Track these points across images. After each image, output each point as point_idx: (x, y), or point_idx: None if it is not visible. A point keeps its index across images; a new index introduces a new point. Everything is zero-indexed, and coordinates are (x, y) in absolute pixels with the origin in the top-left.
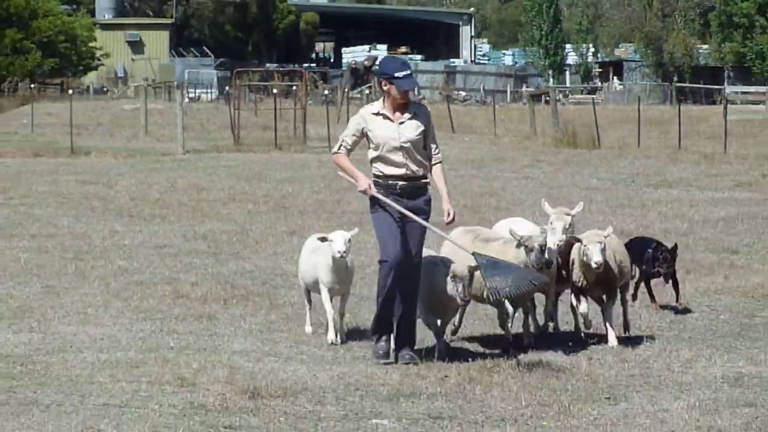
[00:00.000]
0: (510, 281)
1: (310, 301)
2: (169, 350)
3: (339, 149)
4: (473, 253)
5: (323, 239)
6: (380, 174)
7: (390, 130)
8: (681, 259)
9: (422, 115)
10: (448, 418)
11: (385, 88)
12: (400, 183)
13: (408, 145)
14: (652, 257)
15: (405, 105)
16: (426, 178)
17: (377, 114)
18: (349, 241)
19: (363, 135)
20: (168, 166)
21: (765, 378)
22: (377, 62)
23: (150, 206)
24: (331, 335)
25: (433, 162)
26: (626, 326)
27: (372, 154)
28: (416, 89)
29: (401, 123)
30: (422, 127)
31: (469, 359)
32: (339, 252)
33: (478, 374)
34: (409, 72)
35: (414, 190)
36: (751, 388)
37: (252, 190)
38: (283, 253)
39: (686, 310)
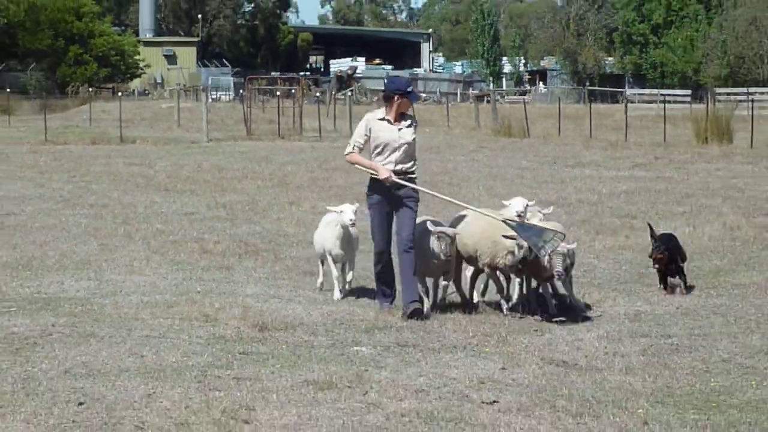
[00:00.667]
0: (543, 237)
1: (323, 263)
2: (196, 294)
3: (353, 149)
4: (504, 220)
5: (330, 211)
6: None
7: (391, 132)
8: (591, 222)
9: (415, 124)
10: (412, 346)
11: (398, 101)
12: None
13: (405, 146)
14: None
15: (403, 114)
16: (414, 171)
17: (382, 119)
18: (355, 212)
19: (369, 135)
20: (195, 151)
21: (657, 314)
22: (357, 71)
23: (181, 182)
24: (336, 294)
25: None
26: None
27: (372, 151)
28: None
29: (400, 129)
30: (415, 134)
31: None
32: (351, 221)
33: (435, 312)
34: (413, 88)
35: (402, 179)
36: (647, 322)
37: (260, 170)
38: (285, 219)
39: (596, 262)
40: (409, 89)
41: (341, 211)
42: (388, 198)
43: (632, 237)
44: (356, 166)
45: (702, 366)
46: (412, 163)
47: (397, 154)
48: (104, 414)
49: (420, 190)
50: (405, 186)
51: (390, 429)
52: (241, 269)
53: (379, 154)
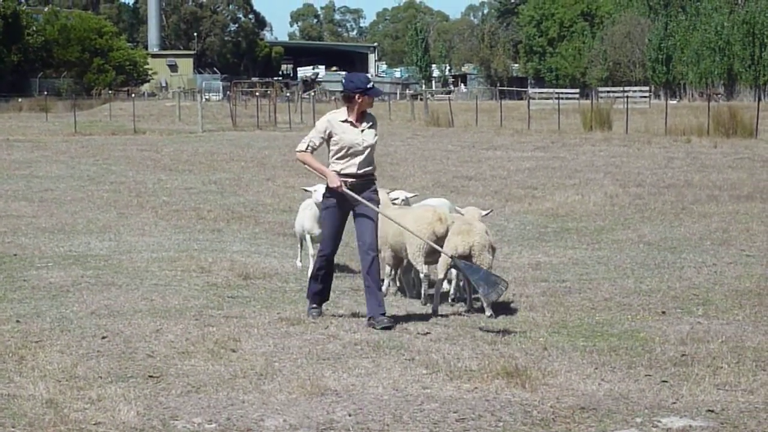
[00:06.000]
0: (489, 281)
1: (302, 245)
2: (194, 251)
3: (306, 148)
4: (454, 263)
5: (306, 191)
6: (337, 172)
7: (355, 135)
8: (502, 193)
9: (376, 124)
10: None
11: (359, 100)
12: (352, 180)
13: (369, 149)
14: None
15: (364, 114)
16: (374, 174)
17: (344, 121)
18: None
19: (328, 137)
20: (192, 139)
21: (553, 264)
22: (320, 75)
23: (182, 164)
24: (310, 271)
25: None
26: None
27: (333, 155)
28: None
29: (362, 131)
30: (377, 135)
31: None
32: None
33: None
34: (373, 83)
35: (364, 185)
36: (546, 270)
37: (243, 154)
38: (263, 192)
39: (505, 223)
40: (369, 85)
41: (315, 190)
42: (344, 201)
43: (534, 203)
44: (306, 166)
45: (589, 304)
46: (373, 166)
47: (360, 158)
48: (122, 345)
49: (368, 205)
50: (356, 199)
51: (346, 355)
52: (229, 231)
53: (340, 158)
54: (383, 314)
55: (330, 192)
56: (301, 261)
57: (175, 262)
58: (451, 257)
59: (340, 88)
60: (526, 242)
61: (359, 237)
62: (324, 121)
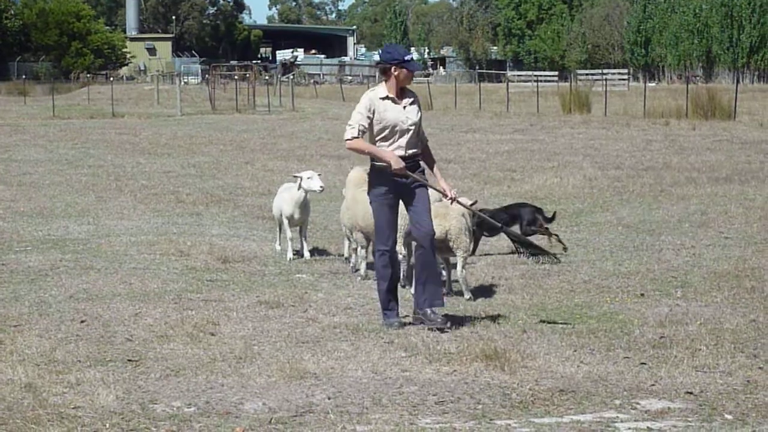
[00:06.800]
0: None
1: (281, 228)
2: (173, 234)
3: (357, 134)
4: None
5: (296, 177)
6: None
7: (399, 113)
8: (481, 175)
9: (417, 100)
10: (342, 273)
11: (395, 72)
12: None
13: (414, 127)
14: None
15: (404, 90)
16: (419, 155)
17: (385, 98)
18: (319, 175)
19: (373, 116)
20: (171, 123)
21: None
22: (299, 59)
23: (161, 147)
24: (289, 254)
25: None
26: None
27: (377, 136)
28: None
29: (404, 107)
30: (420, 112)
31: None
32: (321, 187)
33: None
34: (412, 55)
35: (412, 167)
36: (525, 253)
37: (222, 137)
38: (242, 175)
39: (484, 206)
40: (408, 57)
41: (309, 177)
42: (396, 187)
43: (513, 186)
44: (361, 153)
45: (568, 286)
46: (419, 147)
47: (406, 138)
48: (101, 329)
49: (434, 188)
50: (416, 179)
51: (325, 338)
52: (208, 215)
53: (384, 139)
54: (436, 312)
55: (377, 178)
56: (280, 244)
57: (153, 246)
58: (501, 226)
59: (316, 71)
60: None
61: (416, 222)
62: (366, 98)
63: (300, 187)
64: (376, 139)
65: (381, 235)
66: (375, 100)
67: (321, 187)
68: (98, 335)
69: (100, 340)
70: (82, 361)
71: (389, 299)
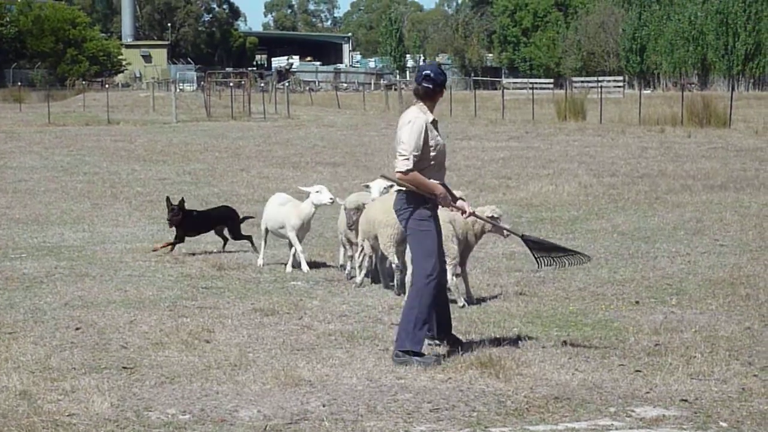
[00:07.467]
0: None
1: (266, 241)
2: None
3: (413, 166)
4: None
5: (302, 190)
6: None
7: (441, 138)
8: (476, 182)
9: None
10: (337, 280)
11: (440, 96)
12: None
13: (446, 149)
14: None
15: None
16: None
17: (432, 122)
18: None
19: (425, 144)
20: (167, 130)
21: (527, 254)
22: (294, 66)
23: (156, 154)
24: (304, 266)
25: None
26: None
27: (429, 162)
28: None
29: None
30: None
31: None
32: (330, 199)
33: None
34: None
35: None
36: (520, 260)
37: (217, 144)
38: (237, 182)
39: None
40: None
41: (318, 191)
42: (434, 208)
43: (508, 193)
44: (416, 188)
45: (563, 294)
46: None
47: (445, 164)
48: (96, 336)
49: (480, 217)
50: (457, 208)
51: (320, 346)
52: None
53: (436, 168)
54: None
55: (421, 202)
56: (262, 260)
57: (149, 253)
58: (522, 235)
59: (311, 78)
60: None
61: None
62: (420, 123)
63: (310, 201)
64: (425, 168)
65: (430, 261)
66: (428, 126)
67: (331, 199)
68: (93, 342)
69: (95, 348)
70: (76, 369)
71: (440, 333)
